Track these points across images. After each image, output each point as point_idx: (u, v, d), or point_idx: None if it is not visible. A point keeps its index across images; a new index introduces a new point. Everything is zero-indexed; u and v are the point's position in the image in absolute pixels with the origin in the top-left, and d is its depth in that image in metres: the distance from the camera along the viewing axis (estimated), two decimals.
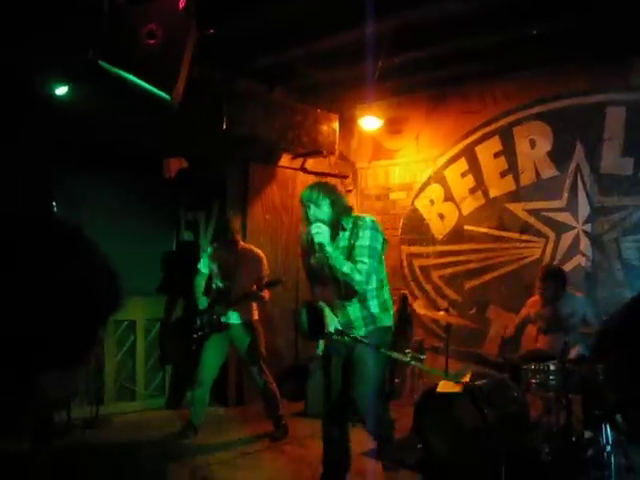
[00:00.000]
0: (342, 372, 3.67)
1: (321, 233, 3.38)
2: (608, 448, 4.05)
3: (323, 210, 3.49)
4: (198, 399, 5.07)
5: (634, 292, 5.08)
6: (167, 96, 3.93)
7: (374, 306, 3.61)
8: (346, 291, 3.53)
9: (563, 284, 4.89)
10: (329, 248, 3.38)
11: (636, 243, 5.18)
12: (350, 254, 3.47)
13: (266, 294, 5.03)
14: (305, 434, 5.20)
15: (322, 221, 3.44)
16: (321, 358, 3.83)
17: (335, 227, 3.50)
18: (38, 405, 0.70)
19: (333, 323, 3.53)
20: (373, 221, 3.57)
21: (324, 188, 3.59)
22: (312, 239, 3.42)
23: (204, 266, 5.17)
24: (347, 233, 3.55)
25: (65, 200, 5.22)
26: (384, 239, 3.59)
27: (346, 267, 3.39)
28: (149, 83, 3.81)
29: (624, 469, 4.16)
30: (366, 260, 3.42)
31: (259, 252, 5.22)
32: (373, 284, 3.57)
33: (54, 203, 5.10)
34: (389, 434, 3.97)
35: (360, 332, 3.55)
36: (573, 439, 4.37)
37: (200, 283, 5.19)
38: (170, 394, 6.01)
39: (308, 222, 3.54)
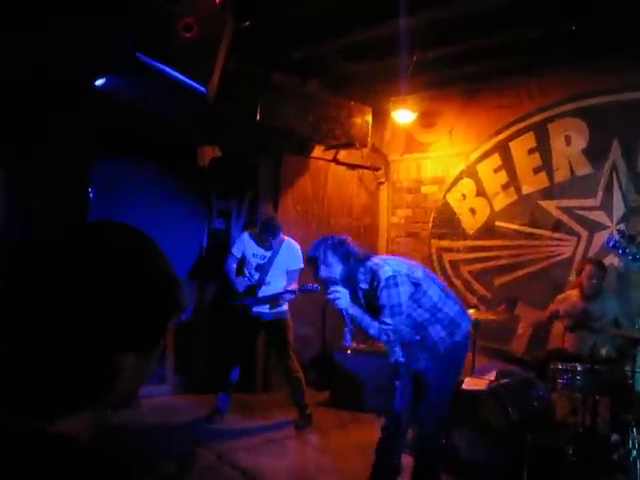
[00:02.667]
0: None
1: (341, 298, 3.24)
2: (634, 453, 4.03)
3: (334, 269, 3.31)
4: (225, 385, 5.16)
5: None
6: (203, 88, 3.99)
7: (435, 332, 3.36)
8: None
9: (604, 278, 4.86)
10: (352, 311, 3.26)
11: None
12: (371, 302, 3.32)
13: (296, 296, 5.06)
14: (329, 424, 5.26)
15: (335, 281, 3.31)
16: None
17: (352, 281, 3.33)
18: (121, 389, 0.80)
19: (395, 357, 3.46)
20: (387, 278, 3.22)
21: (331, 245, 3.34)
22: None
23: (237, 250, 5.17)
24: (368, 289, 3.33)
25: (101, 187, 5.34)
26: (412, 281, 3.29)
27: (372, 330, 3.26)
28: (185, 75, 3.87)
29: None
30: (389, 321, 3.22)
31: (296, 245, 5.18)
32: (423, 316, 3.34)
33: (90, 190, 5.22)
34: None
35: (421, 364, 3.42)
36: (598, 441, 4.36)
37: (232, 265, 5.17)
38: (198, 379, 6.12)
39: (323, 282, 3.40)
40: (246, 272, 5.16)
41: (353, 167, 6.83)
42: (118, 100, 4.55)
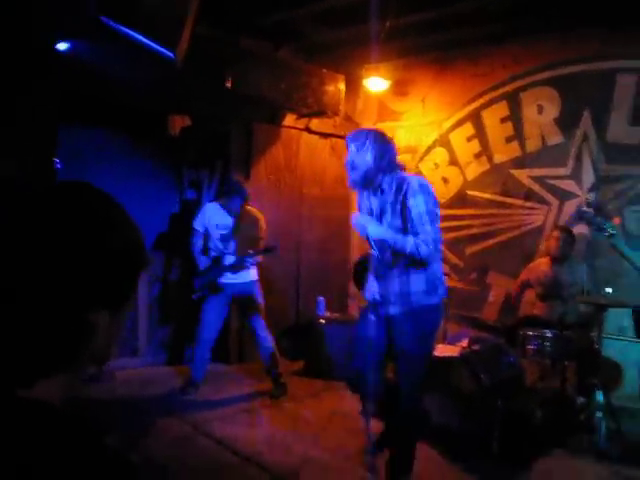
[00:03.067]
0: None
1: (369, 225, 3.12)
2: (599, 414, 4.15)
3: (363, 158, 3.09)
4: (199, 356, 5.14)
5: (634, 263, 5.11)
6: (170, 53, 3.89)
7: (416, 283, 3.19)
8: (390, 260, 3.22)
9: (572, 244, 4.92)
10: (383, 234, 3.10)
11: (639, 213, 5.16)
12: (384, 217, 3.15)
13: (260, 258, 5.04)
14: (303, 393, 5.30)
15: (358, 169, 3.11)
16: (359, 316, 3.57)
17: (372, 183, 3.16)
18: (94, 349, 0.80)
19: (372, 293, 3.33)
20: (422, 184, 3.08)
21: (375, 135, 3.17)
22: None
23: (199, 225, 5.11)
24: (390, 196, 3.14)
25: (68, 157, 5.20)
26: (436, 200, 3.15)
27: (409, 246, 3.01)
28: (152, 40, 3.76)
29: (614, 434, 4.27)
30: (429, 228, 3.01)
31: (257, 213, 5.17)
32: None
33: (56, 159, 5.08)
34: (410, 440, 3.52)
35: (396, 310, 3.25)
36: (566, 405, 4.48)
37: (197, 243, 5.12)
38: (172, 350, 6.10)
39: (349, 169, 3.18)
40: (210, 245, 5.11)
41: (325, 136, 6.77)
42: (83, 65, 4.42)
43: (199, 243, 5.13)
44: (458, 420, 4.08)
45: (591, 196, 5.23)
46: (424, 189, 3.07)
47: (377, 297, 3.28)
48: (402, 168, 3.25)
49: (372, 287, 3.33)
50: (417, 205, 3.02)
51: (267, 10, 5.33)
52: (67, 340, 0.77)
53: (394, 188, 3.12)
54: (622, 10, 4.92)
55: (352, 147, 3.14)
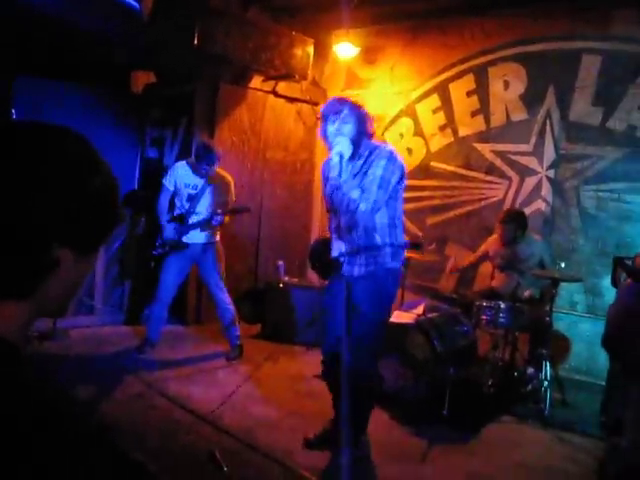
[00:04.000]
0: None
1: (342, 144, 3.11)
2: (545, 384, 4.31)
3: (348, 126, 3.14)
4: (156, 316, 5.11)
5: (588, 240, 5.26)
6: (136, 4, 3.79)
7: (382, 244, 3.28)
8: (352, 222, 3.26)
9: (523, 227, 5.01)
10: (344, 165, 3.14)
11: (595, 192, 5.28)
12: (360, 183, 3.19)
13: (226, 219, 4.99)
14: (260, 356, 5.31)
15: (343, 138, 3.13)
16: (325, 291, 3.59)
17: (354, 149, 3.18)
18: (54, 290, 0.80)
19: (338, 248, 3.34)
20: (391, 152, 3.20)
21: (352, 104, 3.21)
22: (331, 164, 3.16)
23: (170, 182, 5.02)
24: (361, 162, 3.23)
25: (25, 110, 5.04)
26: (402, 173, 3.25)
27: (355, 193, 3.13)
28: None
29: (559, 403, 4.44)
30: (374, 189, 3.12)
31: (228, 177, 5.10)
32: (384, 219, 3.26)
33: (13, 111, 4.92)
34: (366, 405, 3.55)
35: (360, 270, 3.31)
36: (515, 374, 4.63)
37: (164, 202, 5.04)
38: (129, 310, 6.05)
39: (327, 140, 3.21)
40: (177, 203, 5.04)
41: (292, 100, 6.70)
42: (44, 14, 4.26)
43: (166, 203, 5.05)
44: (411, 385, 4.18)
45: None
46: (391, 158, 3.18)
47: (343, 252, 3.31)
48: (374, 135, 3.34)
49: (338, 245, 3.36)
50: (377, 168, 3.15)
51: None
52: (27, 266, 0.76)
53: (367, 154, 3.22)
54: None
55: (332, 118, 3.16)
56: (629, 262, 3.60)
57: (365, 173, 3.19)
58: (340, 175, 3.16)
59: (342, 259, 3.32)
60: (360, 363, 3.30)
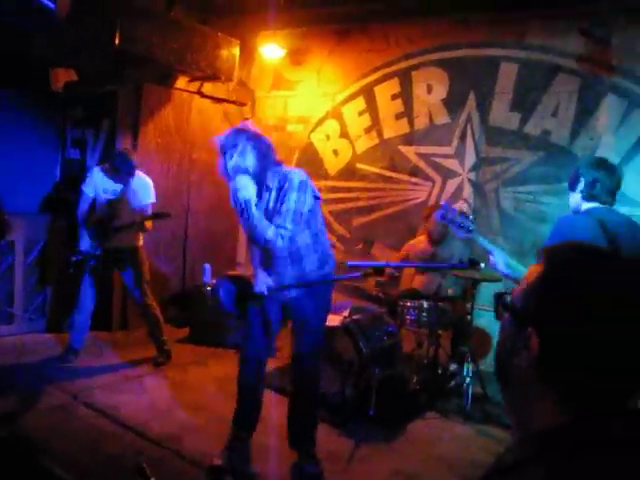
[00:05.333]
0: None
1: (246, 187, 3.02)
2: (468, 380, 4.48)
3: (248, 159, 3.05)
4: (79, 323, 5.00)
5: (508, 240, 5.48)
6: (51, 3, 3.68)
7: (310, 263, 3.32)
8: (274, 253, 3.27)
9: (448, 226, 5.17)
10: (253, 209, 3.06)
11: (513, 194, 5.51)
12: (273, 216, 3.17)
13: (149, 224, 4.93)
14: (188, 360, 5.30)
15: (244, 173, 3.05)
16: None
17: (258, 182, 3.13)
18: None
19: (264, 282, 3.30)
20: (301, 182, 3.14)
21: (249, 133, 3.10)
22: (236, 197, 3.06)
23: (89, 189, 4.94)
24: (273, 193, 3.19)
25: None
26: (315, 195, 3.23)
27: (270, 232, 3.10)
28: None
29: (480, 398, 4.62)
30: (289, 226, 3.12)
31: (148, 180, 5.05)
32: (307, 239, 3.28)
33: None
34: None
35: (294, 293, 3.36)
36: (439, 371, 4.79)
37: (83, 206, 4.95)
38: (51, 318, 5.86)
39: (228, 176, 3.10)
40: (97, 208, 4.94)
41: (218, 101, 6.65)
42: None
43: (85, 209, 4.96)
44: (339, 386, 4.25)
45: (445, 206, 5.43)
46: (301, 188, 3.13)
47: (272, 286, 3.31)
48: (281, 162, 3.27)
49: (264, 278, 3.33)
50: (289, 202, 3.11)
51: None
52: None
53: (277, 185, 3.17)
54: (508, 3, 5.16)
55: (230, 152, 3.06)
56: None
57: (278, 208, 3.16)
58: (252, 217, 3.09)
59: (271, 291, 3.30)
60: (316, 373, 3.49)
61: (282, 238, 3.12)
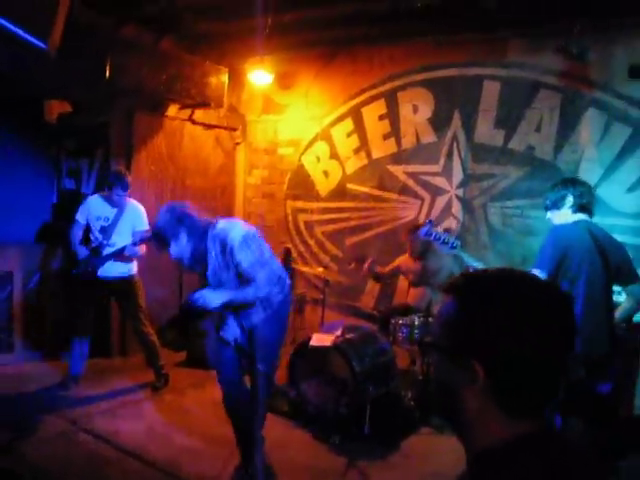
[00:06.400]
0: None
1: (209, 301, 3.22)
2: None
3: (184, 244, 3.30)
4: (77, 351, 5.07)
5: (497, 254, 5.57)
6: (42, 44, 3.79)
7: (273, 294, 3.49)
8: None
9: (424, 242, 5.26)
10: (224, 299, 3.26)
11: (500, 209, 5.61)
12: (226, 275, 3.36)
13: (142, 248, 4.99)
14: (186, 383, 5.36)
15: (183, 258, 3.32)
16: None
17: (202, 254, 3.34)
18: None
19: (234, 334, 3.51)
20: (243, 237, 3.28)
21: (178, 217, 3.30)
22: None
23: (81, 216, 5.03)
24: (219, 257, 3.34)
25: None
26: (254, 237, 3.35)
27: (249, 295, 3.30)
28: (23, 30, 3.65)
29: None
30: (260, 276, 3.28)
31: (140, 207, 5.15)
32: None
33: None
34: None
35: (252, 320, 3.50)
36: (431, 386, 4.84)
37: (77, 233, 5.03)
38: (49, 346, 5.92)
39: (175, 259, 3.36)
40: (91, 237, 5.03)
41: (210, 127, 6.77)
42: None
43: (79, 234, 5.05)
44: (333, 405, 4.31)
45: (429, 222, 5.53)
46: (244, 243, 3.26)
47: (238, 338, 3.51)
48: (212, 222, 3.39)
49: (233, 329, 3.53)
50: (245, 259, 3.24)
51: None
52: None
53: (218, 249, 3.31)
54: (490, 22, 5.29)
55: (168, 240, 3.29)
56: None
57: (223, 268, 3.34)
58: (234, 302, 3.32)
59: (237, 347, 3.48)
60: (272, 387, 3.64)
61: (259, 289, 3.28)
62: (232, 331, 3.51)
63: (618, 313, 3.47)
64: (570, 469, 0.95)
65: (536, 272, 3.12)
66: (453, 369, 1.02)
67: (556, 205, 3.43)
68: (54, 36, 3.86)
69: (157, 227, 3.35)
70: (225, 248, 3.27)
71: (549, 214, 3.52)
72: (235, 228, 3.32)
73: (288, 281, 3.63)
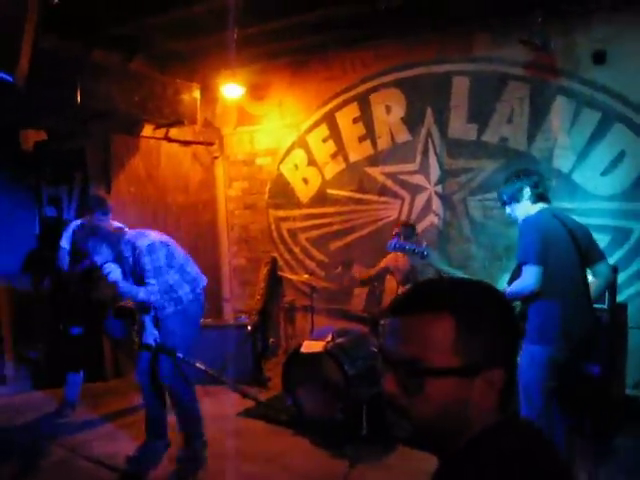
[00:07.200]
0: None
1: (112, 272, 3.81)
2: None
3: (104, 251, 3.85)
4: (72, 378, 5.07)
5: (480, 247, 5.63)
6: (9, 77, 3.80)
7: (184, 293, 4.03)
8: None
9: (407, 238, 5.31)
10: (122, 284, 3.81)
11: (481, 202, 5.66)
12: (138, 276, 3.86)
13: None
14: None
15: (110, 259, 3.85)
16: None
17: (120, 256, 3.88)
18: None
19: (151, 336, 3.95)
20: (149, 245, 3.84)
21: (91, 232, 3.86)
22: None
23: (65, 242, 5.01)
24: (130, 260, 3.87)
25: None
26: (166, 250, 3.93)
27: (142, 294, 3.81)
28: None
29: None
30: (153, 282, 3.82)
31: (124, 229, 5.16)
32: (174, 277, 3.98)
33: None
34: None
35: (164, 313, 3.99)
36: None
37: (64, 258, 5.02)
38: (42, 374, 5.91)
39: (101, 268, 3.86)
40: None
41: (186, 143, 6.80)
42: None
43: (66, 259, 5.05)
44: (329, 410, 4.34)
45: (397, 229, 5.56)
46: (150, 250, 3.84)
47: (158, 339, 3.97)
48: (122, 232, 3.98)
49: (152, 332, 4.00)
50: (145, 264, 3.82)
51: (117, 21, 5.25)
52: None
53: (130, 254, 3.87)
54: (456, 17, 5.35)
55: (93, 254, 3.85)
56: None
57: (138, 272, 3.86)
58: (122, 289, 3.85)
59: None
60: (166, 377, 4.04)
61: (152, 293, 3.83)
62: (150, 332, 3.96)
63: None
64: (540, 444, 1.01)
65: (533, 269, 3.16)
66: (464, 386, 1.00)
67: (515, 198, 3.45)
68: (21, 67, 3.87)
69: (82, 247, 3.92)
70: (135, 253, 3.84)
71: (508, 209, 3.53)
72: (144, 236, 3.91)
73: (203, 284, 4.18)
